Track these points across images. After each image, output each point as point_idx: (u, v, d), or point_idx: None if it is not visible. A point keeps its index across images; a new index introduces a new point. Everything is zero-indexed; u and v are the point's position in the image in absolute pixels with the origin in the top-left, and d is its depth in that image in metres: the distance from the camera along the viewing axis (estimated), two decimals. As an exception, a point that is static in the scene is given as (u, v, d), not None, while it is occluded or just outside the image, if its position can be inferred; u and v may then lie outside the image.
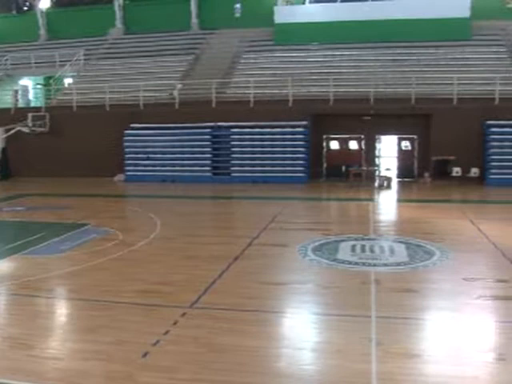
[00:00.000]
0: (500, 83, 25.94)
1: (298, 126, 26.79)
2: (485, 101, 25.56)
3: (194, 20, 36.84)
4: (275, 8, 34.18)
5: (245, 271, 10.45)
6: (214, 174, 27.57)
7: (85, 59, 34.69)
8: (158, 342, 6.92)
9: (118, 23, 38.29)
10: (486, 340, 7.25)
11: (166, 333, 7.21)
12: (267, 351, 6.76)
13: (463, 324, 7.78)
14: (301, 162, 26.72)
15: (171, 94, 29.03)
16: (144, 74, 31.44)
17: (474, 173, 25.79)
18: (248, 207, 20.38)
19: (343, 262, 11.09)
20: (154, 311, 8.20)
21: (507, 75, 27.16)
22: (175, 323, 7.60)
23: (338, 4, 34.13)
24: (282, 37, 32.76)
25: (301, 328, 7.76)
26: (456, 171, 25.80)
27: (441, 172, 26.09)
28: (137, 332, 7.29)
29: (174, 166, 27.59)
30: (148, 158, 27.87)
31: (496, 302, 8.79)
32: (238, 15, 35.64)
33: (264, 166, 26.84)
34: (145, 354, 6.56)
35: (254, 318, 7.94)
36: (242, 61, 32.34)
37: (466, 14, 31.47)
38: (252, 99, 27.56)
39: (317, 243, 12.79)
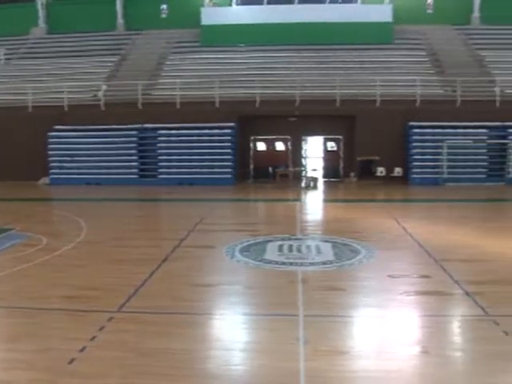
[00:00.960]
0: (421, 86, 26.74)
1: (225, 128, 26.81)
2: (407, 102, 26.29)
3: (120, 20, 36.30)
4: (202, 9, 34.12)
5: (172, 273, 10.36)
6: (141, 176, 27.27)
7: (6, 59, 33.67)
8: (84, 348, 6.76)
9: (41, 22, 37.29)
10: (410, 334, 7.44)
11: (93, 338, 7.06)
12: (196, 353, 6.71)
13: (389, 320, 7.95)
14: (228, 163, 26.74)
15: (96, 96, 28.51)
16: (68, 74, 30.77)
17: (398, 172, 26.48)
18: (175, 209, 20.24)
19: (270, 262, 11.15)
20: (79, 317, 8.01)
21: (428, 78, 28.03)
22: (102, 328, 7.44)
23: (264, 6, 34.36)
24: (208, 38, 32.74)
25: (229, 329, 7.74)
26: (380, 171, 26.42)
27: (366, 172, 26.66)
28: (62, 339, 7.09)
29: (99, 168, 27.09)
30: (72, 161, 27.26)
31: (419, 297, 9.03)
32: (164, 16, 35.38)
33: (191, 168, 26.72)
34: (71, 361, 6.39)
35: (183, 320, 7.87)
36: (169, 62, 32.14)
37: (389, 18, 32.31)
38: (179, 100, 27.40)
39: (244, 244, 12.81)
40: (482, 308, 8.32)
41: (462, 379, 6.23)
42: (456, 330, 7.95)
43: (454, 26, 33.36)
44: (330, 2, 34.32)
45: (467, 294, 9.00)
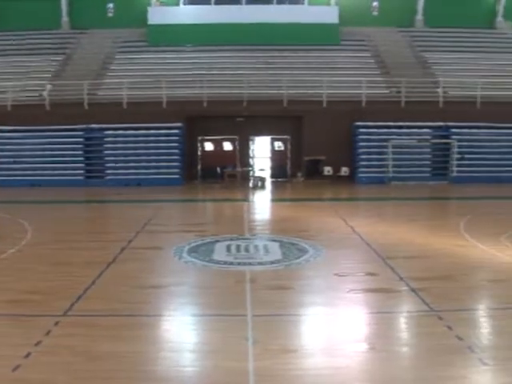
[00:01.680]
0: (366, 86, 27.13)
1: (173, 128, 26.68)
2: (353, 103, 26.64)
3: (65, 18, 35.58)
4: (149, 9, 33.81)
5: (120, 276, 10.25)
6: (88, 177, 26.88)
7: None
8: (29, 353, 6.60)
9: (-18, 20, 36.32)
10: (357, 331, 7.56)
11: (38, 343, 6.91)
12: (145, 355, 6.66)
13: (336, 317, 8.06)
14: (175, 163, 26.62)
15: (41, 95, 27.97)
16: (11, 73, 30.04)
17: (345, 172, 26.81)
18: (122, 210, 20.04)
19: (219, 262, 11.15)
20: (24, 322, 7.85)
21: (373, 79, 28.47)
22: (48, 333, 7.30)
23: (211, 6, 34.30)
24: (155, 38, 32.50)
25: (179, 330, 7.72)
26: (327, 170, 26.71)
27: (313, 171, 26.92)
28: (6, 345, 6.92)
29: (45, 169, 26.54)
30: (14, 162, 26.65)
31: (366, 294, 9.18)
32: (110, 15, 34.94)
33: (138, 169, 26.50)
34: (16, 368, 6.23)
35: (131, 322, 7.80)
36: (115, 61, 31.76)
37: (335, 20, 32.68)
38: (126, 101, 27.12)
39: (192, 245, 12.77)
40: (427, 304, 8.51)
41: (407, 374, 6.37)
42: (402, 325, 8.11)
43: (399, 28, 33.97)
44: (278, 3, 34.50)
45: (412, 290, 9.18)
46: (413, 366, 6.61)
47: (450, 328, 7.51)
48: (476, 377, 6.28)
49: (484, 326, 8.10)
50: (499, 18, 34.99)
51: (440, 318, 7.90)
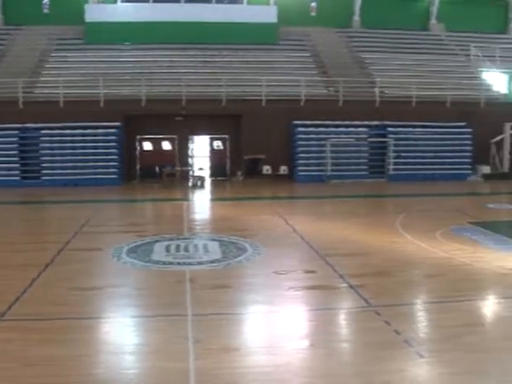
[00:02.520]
0: (305, 86, 27.38)
1: (110, 127, 26.31)
2: (291, 102, 26.84)
3: (-1, 14, 34.70)
4: (86, 6, 33.16)
5: (57, 278, 10.06)
6: (23, 177, 26.21)
7: None
8: (-38, 359, 6.45)
9: None
10: (297, 329, 7.64)
11: (-28, 348, 6.75)
12: (84, 359, 6.56)
13: (276, 315, 8.12)
14: (114, 163, 26.26)
15: (-28, 94, 27.15)
16: None
17: (284, 170, 27.01)
18: (60, 211, 19.66)
19: (158, 262, 11.08)
20: (-43, 326, 7.63)
21: (311, 78, 28.77)
22: (-18, 337, 7.13)
23: (150, 4, 33.97)
24: (92, 36, 31.93)
25: (118, 332, 7.63)
26: (266, 169, 26.84)
27: (252, 170, 27.00)
28: None
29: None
30: None
31: (305, 291, 9.29)
32: (46, 11, 34.16)
33: (76, 169, 26.01)
34: None
35: (69, 325, 7.67)
36: (51, 59, 31.07)
37: (274, 19, 32.84)
38: (62, 99, 26.57)
39: (131, 245, 12.64)
40: (365, 300, 8.67)
41: (347, 369, 6.48)
42: (341, 322, 8.25)
43: (337, 28, 34.41)
44: (216, 2, 34.43)
45: (351, 287, 9.34)
46: (352, 362, 6.74)
47: (387, 323, 7.68)
48: (413, 369, 6.45)
49: (420, 320, 8.31)
50: (433, 21, 35.92)
51: (378, 314, 8.06)
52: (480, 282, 9.95)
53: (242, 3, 34.81)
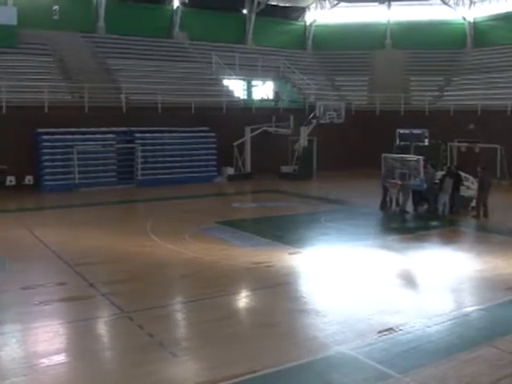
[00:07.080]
0: (48, 92, 26.39)
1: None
2: (35, 109, 25.67)
3: None
4: None
5: None
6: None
7: None
8: None
9: None
10: (51, 344, 7.44)
11: None
12: None
13: (27, 333, 7.85)
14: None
15: None
16: None
17: (29, 180, 25.74)
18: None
19: None
20: None
21: (55, 84, 27.85)
22: None
23: None
24: None
25: None
26: (10, 180, 25.38)
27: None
28: None
29: None
30: None
31: (56, 304, 9.08)
32: None
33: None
34: None
35: None
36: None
37: (13, 21, 31.17)
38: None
39: None
40: (118, 306, 8.72)
41: (108, 377, 6.59)
42: (97, 331, 8.23)
43: (81, 33, 33.70)
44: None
45: (103, 295, 9.32)
46: (112, 369, 6.84)
47: (141, 327, 7.83)
48: (168, 369, 6.70)
49: (173, 321, 8.60)
50: (176, 29, 36.90)
51: (131, 319, 8.18)
52: (229, 278, 10.56)
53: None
